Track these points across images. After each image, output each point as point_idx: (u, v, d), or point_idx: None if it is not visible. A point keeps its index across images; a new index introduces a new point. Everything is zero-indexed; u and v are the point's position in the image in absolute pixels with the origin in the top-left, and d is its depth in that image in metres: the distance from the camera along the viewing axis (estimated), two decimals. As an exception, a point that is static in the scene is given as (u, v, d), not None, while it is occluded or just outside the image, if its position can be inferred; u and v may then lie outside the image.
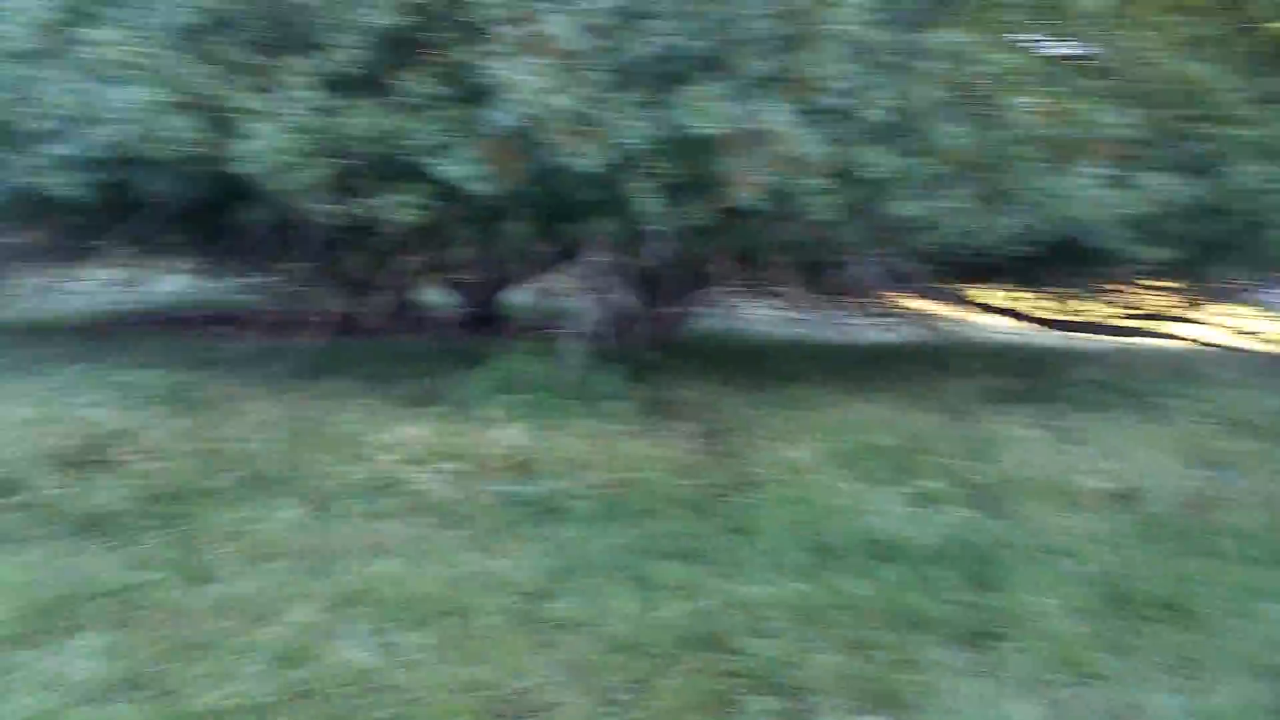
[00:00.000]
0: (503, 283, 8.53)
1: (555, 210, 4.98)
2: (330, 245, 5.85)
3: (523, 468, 4.42)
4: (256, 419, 4.99)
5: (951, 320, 8.61)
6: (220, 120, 4.62)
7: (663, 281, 6.68)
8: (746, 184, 4.01)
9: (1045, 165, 4.65)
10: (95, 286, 9.77)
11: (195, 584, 3.19)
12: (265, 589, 3.15)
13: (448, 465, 4.33)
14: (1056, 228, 4.91)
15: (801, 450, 4.71)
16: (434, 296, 9.07)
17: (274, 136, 4.41)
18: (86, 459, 4.18)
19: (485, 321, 8.49)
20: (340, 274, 6.54)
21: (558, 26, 4.29)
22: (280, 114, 4.50)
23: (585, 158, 4.09)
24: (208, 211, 5.93)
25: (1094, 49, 5.81)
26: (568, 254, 5.70)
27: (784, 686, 2.69)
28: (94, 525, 3.63)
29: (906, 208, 4.50)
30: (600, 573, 3.43)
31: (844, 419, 5.33)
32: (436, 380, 6.00)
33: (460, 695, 2.55)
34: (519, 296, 9.18)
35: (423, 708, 2.50)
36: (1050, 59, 5.57)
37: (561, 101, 4.10)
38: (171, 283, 10.14)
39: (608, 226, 4.80)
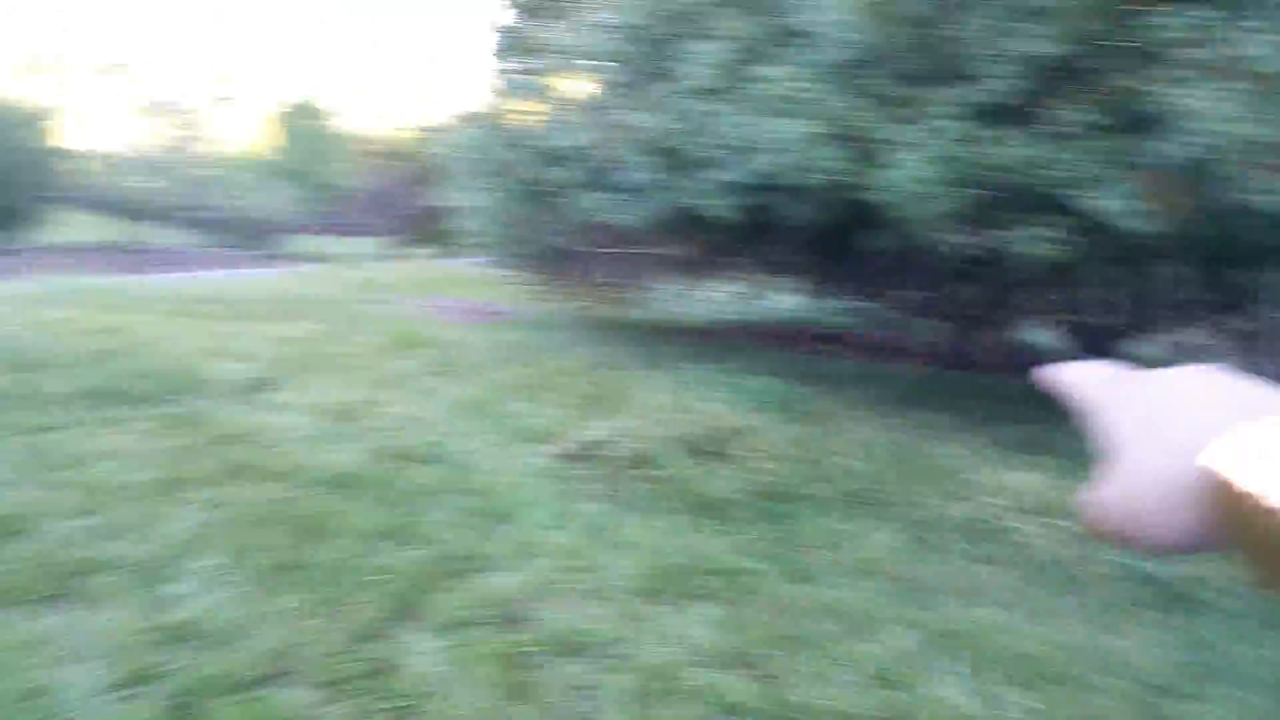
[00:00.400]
0: (1127, 331, 7.74)
1: (1224, 253, 4.35)
2: (947, 276, 5.81)
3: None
4: (857, 438, 5.14)
5: None
6: (864, 151, 4.84)
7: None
8: None
9: None
10: (720, 297, 10.96)
11: (796, 582, 3.34)
12: (863, 604, 3.19)
13: (1059, 522, 4.00)
14: None
15: None
16: (1045, 338, 8.57)
17: (915, 166, 4.48)
18: (708, 449, 4.64)
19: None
20: (952, 306, 6.46)
21: (1256, 48, 3.73)
22: (923, 144, 4.56)
23: (1276, 195, 3.50)
24: (834, 236, 6.27)
25: None
26: (1226, 305, 4.93)
27: None
28: (710, 508, 4.00)
29: None
30: (1244, 684, 2.87)
31: None
32: (1048, 428, 5.61)
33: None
34: (1144, 348, 8.27)
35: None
36: None
37: (1252, 131, 3.55)
38: (785, 300, 11.00)
39: None
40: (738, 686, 2.59)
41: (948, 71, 4.85)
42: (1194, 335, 6.91)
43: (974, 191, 4.60)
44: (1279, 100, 3.67)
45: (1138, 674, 2.88)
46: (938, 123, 4.66)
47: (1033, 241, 4.48)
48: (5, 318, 7.00)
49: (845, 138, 4.94)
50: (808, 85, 5.02)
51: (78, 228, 24.71)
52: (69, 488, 3.65)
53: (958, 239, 4.83)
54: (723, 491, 4.14)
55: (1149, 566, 3.70)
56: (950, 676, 2.75)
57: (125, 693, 2.33)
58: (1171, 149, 3.83)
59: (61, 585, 2.86)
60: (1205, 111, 3.69)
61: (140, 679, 2.38)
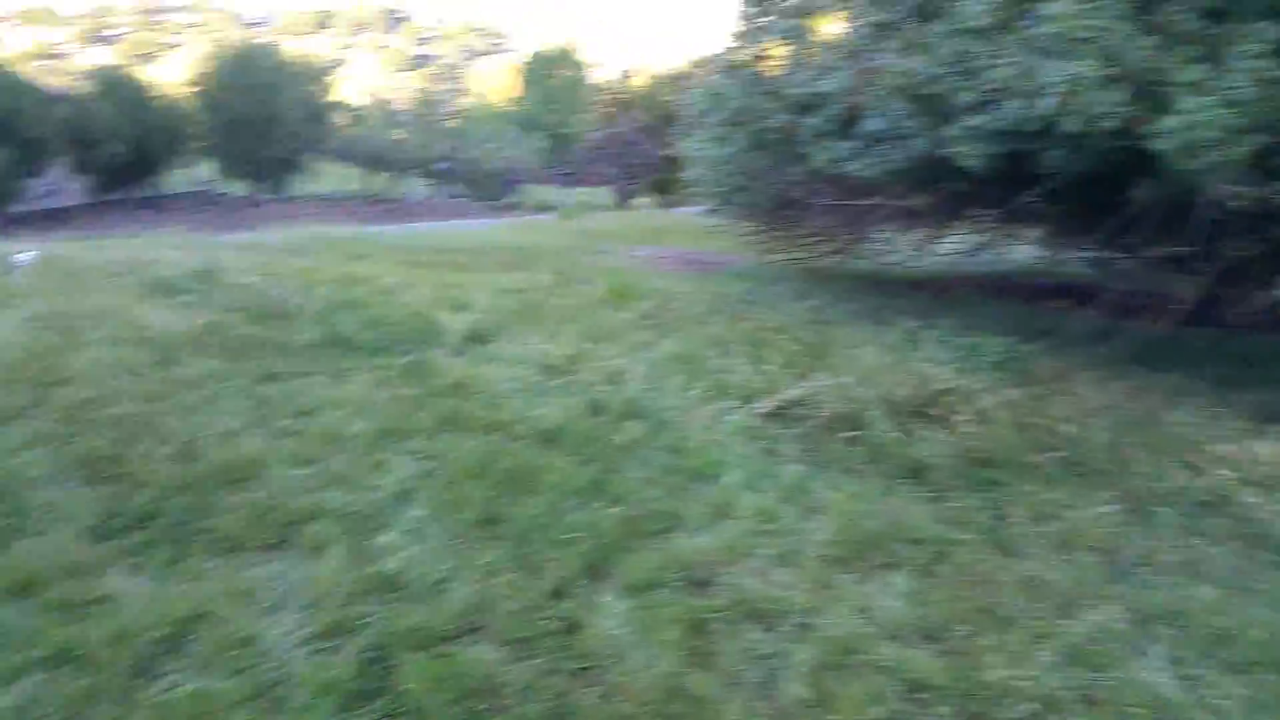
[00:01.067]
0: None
1: None
2: (1216, 229, 5.28)
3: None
4: (1084, 402, 4.86)
5: None
6: (1148, 93, 4.48)
7: None
8: None
9: None
10: (953, 248, 10.44)
11: (1001, 555, 3.25)
12: (1071, 580, 3.08)
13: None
14: None
15: None
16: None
17: (1205, 110, 4.12)
18: (916, 409, 4.52)
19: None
20: (1213, 260, 5.85)
21: None
22: (1216, 86, 4.17)
23: None
24: (1097, 185, 5.83)
25: None
26: None
27: None
28: (915, 473, 3.93)
29: None
30: None
31: None
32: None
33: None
34: None
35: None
36: None
37: None
38: (1019, 252, 10.33)
39: None
40: (926, 663, 2.58)
41: (1251, 6, 4.41)
42: None
43: (1269, 139, 4.19)
44: None
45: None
46: (1235, 63, 4.24)
47: None
48: (256, 266, 7.64)
49: (1127, 79, 4.58)
50: (1095, 22, 4.67)
51: (330, 178, 26.78)
52: (294, 436, 3.87)
53: (1243, 189, 4.41)
54: (927, 455, 4.04)
55: None
56: (1156, 659, 2.65)
57: (323, 644, 2.50)
58: None
59: (278, 534, 3.08)
60: None
61: (339, 630, 2.56)
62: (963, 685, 2.47)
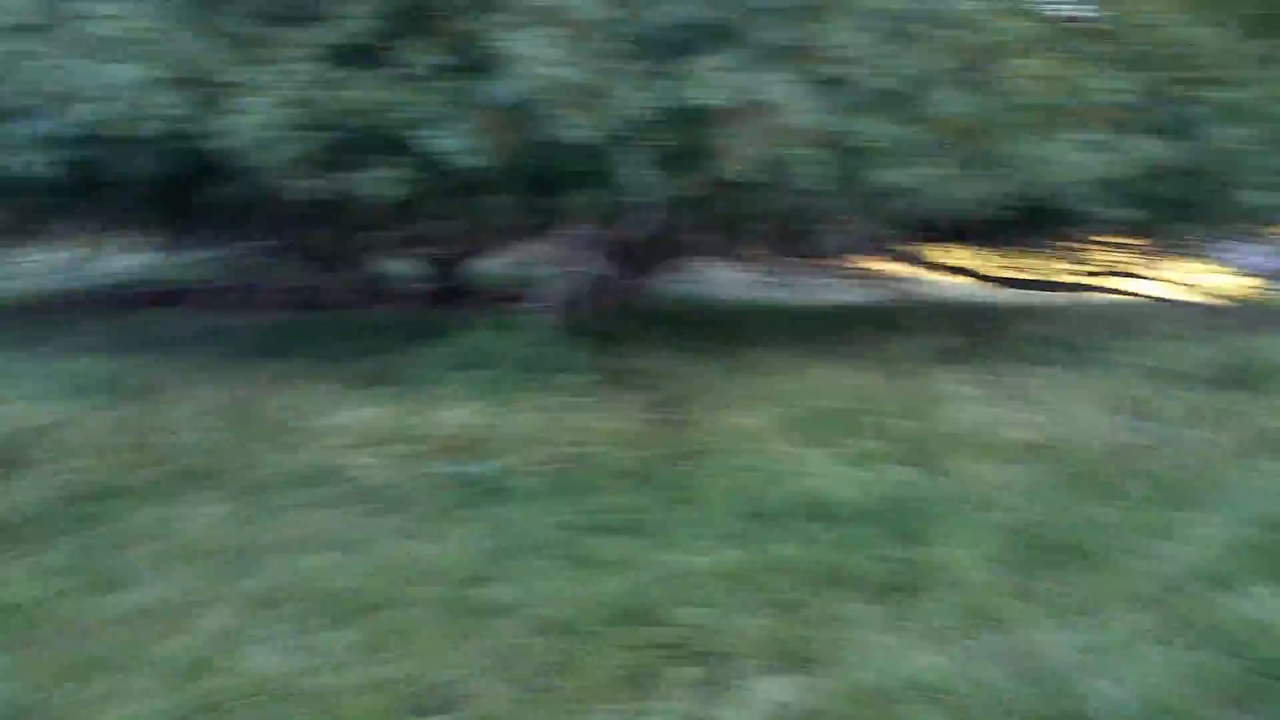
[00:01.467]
0: (472, 254, 8.41)
1: (542, 182, 4.89)
2: (297, 221, 5.73)
3: (471, 447, 4.34)
4: (191, 406, 4.88)
5: (912, 281, 8.54)
6: (209, 96, 4.51)
7: (636, 251, 6.60)
8: (741, 155, 3.93)
9: (1034, 131, 4.66)
10: (48, 265, 9.55)
11: (100, 593, 3.03)
12: (177, 594, 3.02)
13: (392, 448, 4.24)
14: (1033, 191, 4.89)
15: (751, 416, 4.66)
16: (401, 269, 8.91)
17: (266, 111, 4.29)
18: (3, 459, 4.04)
19: (453, 294, 8.37)
20: (306, 248, 6.39)
21: (575, -3, 4.16)
22: (274, 87, 4.38)
23: (583, 129, 3.99)
24: (178, 188, 5.81)
25: (1097, 12, 5.77)
26: (545, 225, 5.59)
27: (706, 654, 2.65)
28: (2, 532, 3.47)
29: (893, 175, 4.47)
30: (537, 553, 3.35)
31: (797, 383, 5.27)
32: (394, 357, 5.88)
33: (375, 695, 2.47)
34: (490, 267, 9.04)
35: (334, 712, 2.40)
36: (1055, 22, 5.51)
37: (568, 74, 3.98)
38: (125, 260, 9.93)
39: (594, 198, 4.72)
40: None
41: (302, 11, 4.68)
42: (524, 252, 7.72)
43: (323, 135, 4.55)
44: (588, 46, 4.13)
45: (448, 574, 3.19)
46: (290, 65, 4.48)
47: (378, 182, 4.58)
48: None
49: (187, 82, 4.53)
50: (149, 24, 4.50)
51: None
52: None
53: (308, 183, 4.74)
54: (13, 509, 3.62)
55: (470, 469, 4.12)
56: (271, 642, 2.75)
57: None
58: (504, 90, 4.12)
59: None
60: (530, 55, 4.01)
61: None
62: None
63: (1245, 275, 9.29)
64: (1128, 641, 2.65)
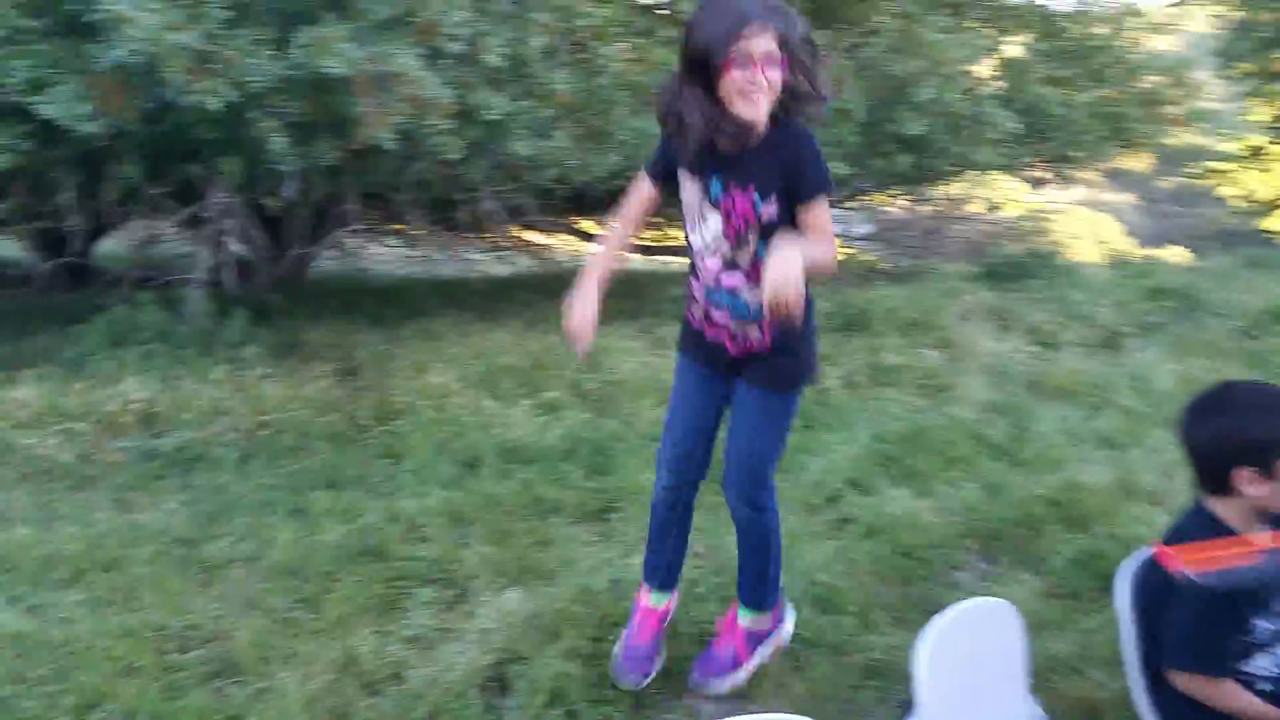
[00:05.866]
0: (98, 231, 7.77)
1: (170, 150, 4.73)
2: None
3: (151, 421, 4.28)
4: None
5: (561, 251, 9.23)
6: None
7: (285, 223, 6.53)
8: (375, 124, 4.10)
9: (634, 108, 5.21)
10: None
11: None
12: None
13: (65, 426, 4.07)
14: (636, 164, 5.53)
15: (438, 377, 4.97)
16: (12, 250, 8.04)
17: None
18: None
19: (78, 274, 7.70)
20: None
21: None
22: None
23: (206, 95, 3.94)
24: None
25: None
26: (180, 197, 5.39)
27: (443, 579, 3.02)
28: None
29: (521, 147, 4.85)
30: (253, 511, 3.50)
31: (474, 346, 5.64)
32: (35, 340, 5.47)
33: (125, 640, 2.57)
34: (116, 245, 8.40)
35: (87, 657, 2.48)
36: (641, 9, 6.14)
37: (180, 38, 3.88)
38: None
39: (229, 166, 4.64)
40: None
41: None
42: (155, 227, 7.27)
43: None
44: (198, 10, 4.01)
45: (168, 535, 3.26)
46: None
47: None
48: None
49: None
50: None
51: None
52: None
53: None
54: None
55: (157, 442, 4.09)
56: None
57: None
58: (112, 54, 3.92)
59: None
60: (138, 19, 3.85)
61: None
62: None
63: (848, 240, 11.03)
64: (793, 536, 3.30)
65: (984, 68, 7.90)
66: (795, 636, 2.75)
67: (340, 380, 5.12)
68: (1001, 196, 12.89)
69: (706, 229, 2.15)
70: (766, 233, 2.07)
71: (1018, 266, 9.21)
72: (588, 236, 9.65)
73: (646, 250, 9.70)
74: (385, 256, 10.01)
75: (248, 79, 3.93)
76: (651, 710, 2.49)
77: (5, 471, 3.73)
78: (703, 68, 1.99)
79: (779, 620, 2.55)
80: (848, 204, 9.69)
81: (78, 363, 4.89)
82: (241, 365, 5.06)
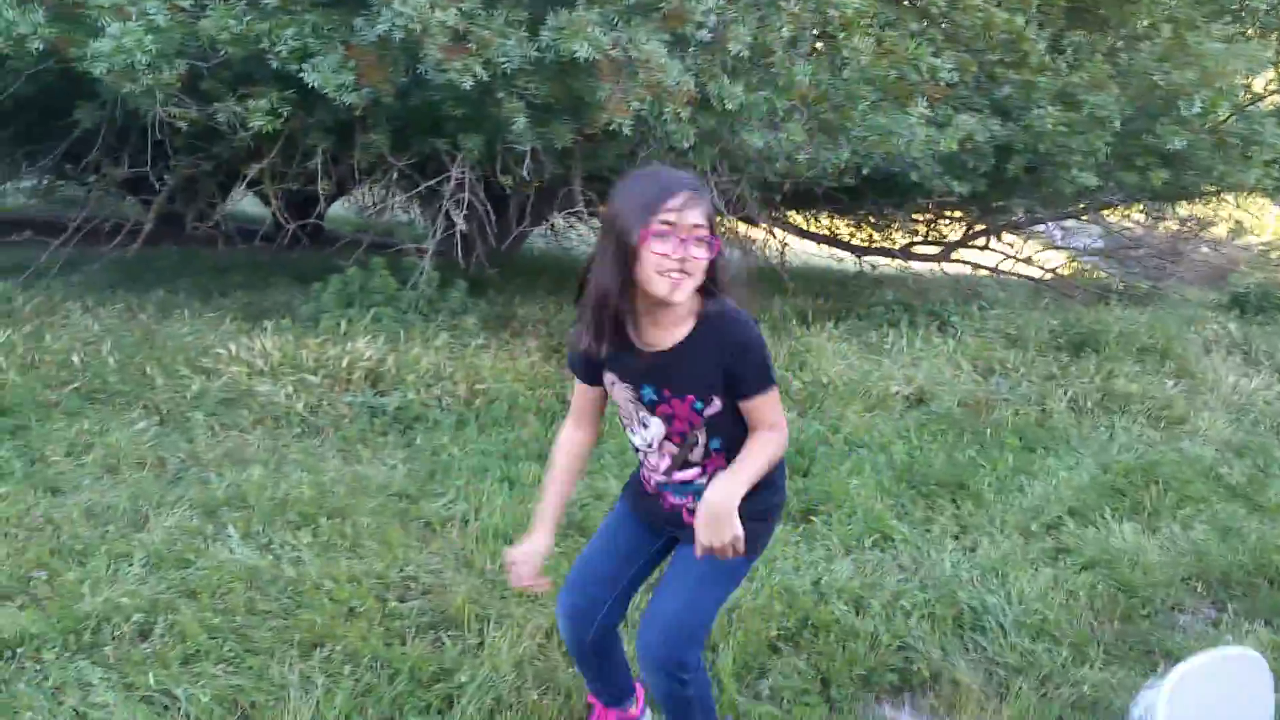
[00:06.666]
0: (333, 196, 8.31)
1: (417, 123, 4.95)
2: (163, 149, 5.59)
3: (377, 380, 4.50)
4: (82, 332, 4.80)
5: (773, 245, 9.12)
6: (75, 17, 4.31)
7: (510, 202, 6.75)
8: (615, 109, 4.14)
9: (876, 103, 5.06)
10: None
11: (48, 497, 3.13)
12: (124, 500, 3.12)
13: (298, 378, 4.34)
14: (879, 161, 5.37)
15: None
16: (254, 207, 8.74)
17: (130, 35, 4.15)
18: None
19: (312, 235, 8.27)
20: (164, 181, 6.19)
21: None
22: (141, 12, 4.24)
23: (459, 73, 4.08)
24: (36, 110, 5.53)
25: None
26: (419, 169, 5.65)
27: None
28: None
29: (753, 138, 4.80)
30: (468, 475, 3.62)
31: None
32: (275, 293, 5.90)
33: (350, 584, 2.70)
34: (344, 210, 8.98)
35: (314, 597, 2.62)
36: (890, 1, 5.94)
37: (441, 15, 4.05)
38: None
39: (470, 143, 4.82)
40: (10, 617, 2.42)
41: None
42: (380, 196, 7.71)
43: (193, 63, 4.45)
44: None
45: (390, 490, 3.43)
46: None
47: (251, 114, 4.52)
48: None
49: (53, 2, 4.32)
50: None
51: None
52: None
53: (180, 110, 4.64)
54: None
55: (382, 400, 4.31)
56: (232, 539, 2.94)
57: None
58: (376, 27, 4.14)
59: None
60: None
61: None
62: (62, 625, 2.41)
63: (1074, 254, 10.41)
64: (1004, 558, 3.18)
65: (1261, 81, 7.21)
66: (1002, 662, 2.60)
67: (548, 356, 5.25)
68: (1252, 221, 11.79)
69: (648, 433, 1.88)
70: (713, 426, 1.81)
71: (1268, 298, 8.42)
72: (801, 232, 9.50)
73: (855, 250, 9.47)
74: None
75: (499, 59, 4.04)
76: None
77: (242, 415, 4.01)
78: (620, 247, 1.69)
79: None
80: (1082, 216, 9.11)
81: (313, 318, 5.23)
82: (460, 334, 5.29)
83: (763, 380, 1.78)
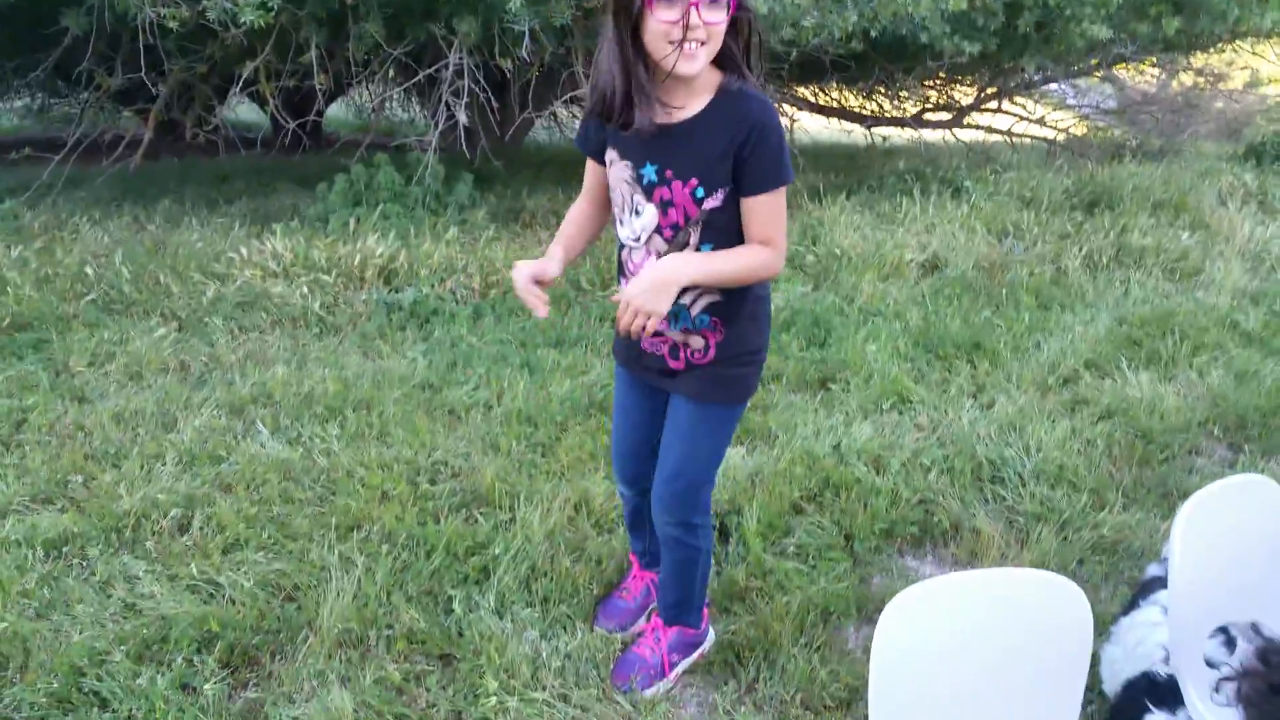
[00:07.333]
0: (330, 95, 8.16)
1: (410, 9, 4.82)
2: (151, 57, 5.47)
3: (392, 275, 4.51)
4: (93, 245, 4.80)
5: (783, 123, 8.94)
6: None
7: (511, 89, 6.61)
8: None
9: None
10: None
11: (77, 404, 3.19)
12: (151, 404, 3.18)
13: (313, 277, 4.36)
14: (887, 24, 5.20)
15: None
16: (252, 114, 8.61)
17: None
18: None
19: (313, 138, 8.16)
20: (159, 88, 6.08)
21: None
22: None
23: None
24: (23, 17, 5.40)
25: None
26: (416, 61, 5.53)
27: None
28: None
29: (758, 3, 4.64)
30: (489, 363, 3.66)
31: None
32: (281, 197, 5.87)
33: (381, 470, 2.77)
34: (343, 112, 8.83)
35: (347, 484, 2.69)
36: None
37: None
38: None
39: (466, 25, 4.69)
40: (52, 522, 2.49)
41: None
42: (380, 95, 7.55)
43: None
44: None
45: (413, 381, 3.47)
46: None
47: (242, 8, 4.39)
48: None
49: None
50: None
51: None
52: None
53: (171, 9, 4.52)
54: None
55: (398, 296, 4.32)
56: (262, 435, 3.00)
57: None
58: None
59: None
60: None
61: None
62: (103, 523, 2.48)
63: (1085, 114, 10.17)
64: (1024, 415, 3.22)
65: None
66: (1022, 510, 2.66)
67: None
68: (1269, 70, 11.42)
69: (638, 221, 1.72)
70: (709, 226, 1.65)
71: (1283, 145, 8.26)
72: (811, 105, 9.29)
73: (865, 120, 9.27)
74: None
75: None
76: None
77: (260, 317, 4.04)
78: (624, 14, 1.52)
79: (704, 630, 2.16)
80: (1095, 74, 8.87)
81: (321, 219, 5.21)
82: (471, 227, 5.27)
83: (774, 174, 1.60)
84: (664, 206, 1.67)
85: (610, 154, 1.73)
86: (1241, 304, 4.52)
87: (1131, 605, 1.91)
